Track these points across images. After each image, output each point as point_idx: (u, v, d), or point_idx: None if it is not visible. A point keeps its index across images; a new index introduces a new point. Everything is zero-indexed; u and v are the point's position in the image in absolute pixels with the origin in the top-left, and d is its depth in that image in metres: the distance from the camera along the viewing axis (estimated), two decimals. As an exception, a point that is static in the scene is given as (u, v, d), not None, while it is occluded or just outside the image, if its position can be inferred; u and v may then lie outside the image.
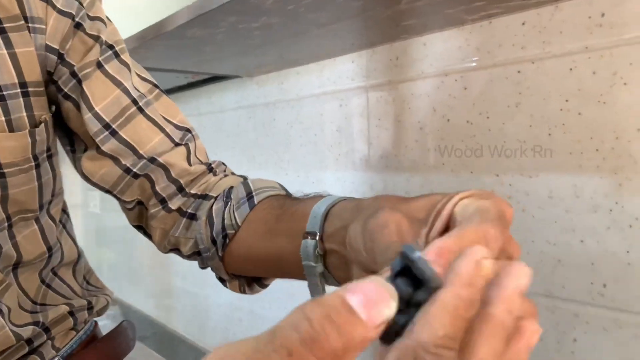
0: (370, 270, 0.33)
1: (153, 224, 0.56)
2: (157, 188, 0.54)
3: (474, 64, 0.78)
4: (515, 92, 0.73)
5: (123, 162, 0.53)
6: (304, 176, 1.11)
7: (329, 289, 0.33)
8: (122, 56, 0.54)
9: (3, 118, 0.47)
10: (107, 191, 0.55)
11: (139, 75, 0.56)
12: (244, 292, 0.55)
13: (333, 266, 0.40)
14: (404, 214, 0.31)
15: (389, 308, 0.20)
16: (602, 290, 0.65)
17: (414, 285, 0.22)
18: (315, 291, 0.41)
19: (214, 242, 0.51)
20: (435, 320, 0.20)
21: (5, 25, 0.46)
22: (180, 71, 1.24)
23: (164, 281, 1.77)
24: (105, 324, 0.64)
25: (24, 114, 0.48)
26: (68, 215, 0.62)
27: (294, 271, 0.43)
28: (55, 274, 0.57)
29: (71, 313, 0.55)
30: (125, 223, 0.61)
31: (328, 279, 0.41)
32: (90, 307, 0.58)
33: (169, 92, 1.44)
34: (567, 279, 0.69)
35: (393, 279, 0.22)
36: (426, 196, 0.33)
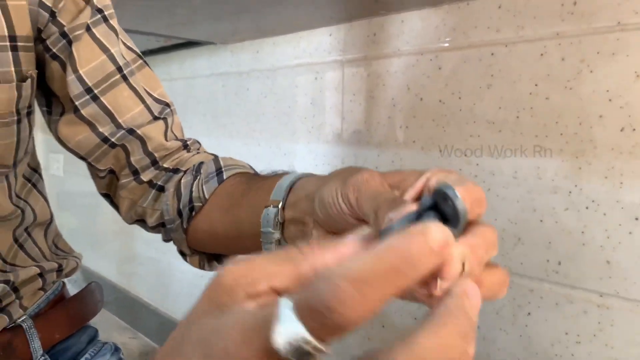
0: (333, 231, 0.34)
1: (122, 194, 0.56)
2: (132, 159, 0.54)
3: (449, 44, 0.79)
4: (487, 74, 0.74)
5: (100, 130, 0.52)
6: (276, 147, 1.11)
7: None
8: (110, 21, 0.53)
9: None
10: (82, 158, 0.54)
11: (124, 43, 0.55)
12: (202, 267, 0.55)
13: (290, 236, 0.41)
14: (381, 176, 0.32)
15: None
16: (557, 268, 0.69)
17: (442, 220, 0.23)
18: None
19: (179, 214, 0.52)
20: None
21: None
22: (151, 34, 1.21)
23: (127, 247, 1.75)
24: (69, 289, 0.64)
25: (12, 68, 0.47)
26: (40, 175, 0.61)
27: (251, 244, 0.44)
28: (29, 234, 0.56)
29: (40, 275, 0.55)
30: (88, 189, 0.60)
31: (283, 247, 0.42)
32: (60, 270, 0.58)
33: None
34: (526, 256, 0.72)
35: (419, 215, 0.23)
36: (397, 171, 0.34)
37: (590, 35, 0.64)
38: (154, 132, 0.53)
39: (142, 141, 0.53)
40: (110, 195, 0.58)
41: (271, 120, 1.12)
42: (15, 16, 0.46)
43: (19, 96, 0.48)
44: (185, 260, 0.56)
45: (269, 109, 1.13)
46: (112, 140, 0.52)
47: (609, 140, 0.63)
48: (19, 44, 0.47)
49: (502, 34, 0.72)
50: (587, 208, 0.66)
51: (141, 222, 0.57)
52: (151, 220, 0.54)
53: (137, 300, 1.69)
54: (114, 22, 0.54)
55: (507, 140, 0.73)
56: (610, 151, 0.63)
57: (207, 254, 0.55)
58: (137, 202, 0.55)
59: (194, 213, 0.50)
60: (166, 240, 0.56)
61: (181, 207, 0.51)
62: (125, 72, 0.53)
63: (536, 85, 0.69)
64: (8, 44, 0.46)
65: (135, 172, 0.54)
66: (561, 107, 0.67)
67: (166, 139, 0.54)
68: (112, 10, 0.54)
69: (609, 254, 0.64)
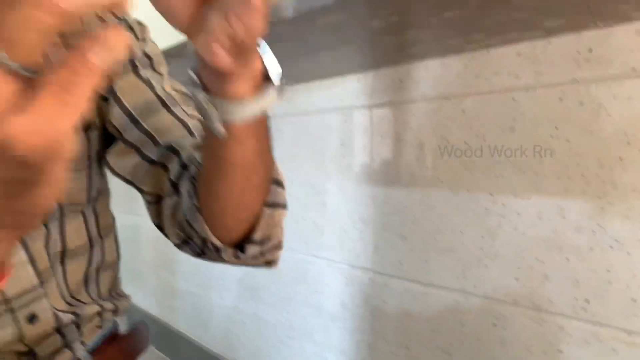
0: None
1: (166, 213, 0.56)
2: (171, 175, 0.55)
3: (471, 90, 0.83)
4: (510, 118, 0.78)
5: (144, 152, 0.56)
6: (309, 187, 1.16)
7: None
8: (157, 68, 0.59)
9: None
10: (130, 182, 0.58)
11: (172, 87, 0.60)
12: (238, 257, 0.53)
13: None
14: None
15: None
16: (584, 305, 0.70)
17: None
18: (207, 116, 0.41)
19: (190, 197, 0.51)
20: None
21: None
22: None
23: (167, 282, 1.82)
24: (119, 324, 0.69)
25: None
26: (113, 218, 0.66)
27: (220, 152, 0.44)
28: (97, 273, 0.62)
29: (99, 313, 0.60)
30: (129, 223, 0.66)
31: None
32: (115, 310, 0.63)
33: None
34: (554, 293, 0.74)
35: None
36: None
37: (607, 81, 0.67)
38: (186, 144, 0.55)
39: (177, 153, 0.55)
40: (161, 225, 0.59)
41: (304, 160, 1.18)
42: None
43: (89, 142, 0.54)
44: (221, 256, 0.54)
45: (302, 150, 1.18)
46: (154, 158, 0.55)
47: (630, 181, 0.65)
48: None
49: (521, 80, 0.76)
50: (611, 247, 0.67)
51: (186, 242, 0.57)
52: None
53: (177, 334, 1.75)
54: (161, 69, 0.59)
55: (531, 181, 0.75)
56: (632, 192, 0.65)
57: (232, 247, 0.53)
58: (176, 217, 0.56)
59: (195, 183, 0.50)
60: (199, 253, 0.56)
61: (189, 192, 0.51)
62: (167, 102, 0.56)
63: (556, 128, 0.72)
64: None
65: (175, 186, 0.54)
66: (582, 149, 0.70)
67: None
68: (162, 61, 0.59)
69: (635, 292, 0.65)
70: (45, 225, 0.54)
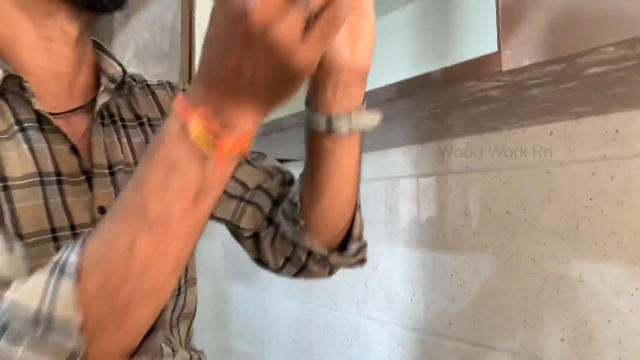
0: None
1: (264, 243, 0.72)
2: (265, 211, 0.71)
3: (510, 164, 0.91)
4: (547, 189, 0.86)
5: (235, 194, 0.71)
6: (360, 250, 1.25)
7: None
8: None
9: None
10: (229, 223, 0.73)
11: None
12: (342, 256, 0.67)
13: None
14: None
15: None
16: (629, 365, 0.75)
17: None
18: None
19: (292, 221, 0.66)
20: None
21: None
22: (252, 151, 1.43)
23: (221, 340, 1.90)
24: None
25: None
26: (195, 269, 0.78)
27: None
28: (177, 320, 0.71)
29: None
30: None
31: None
32: None
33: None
34: (599, 354, 0.78)
35: None
36: None
37: (634, 158, 0.75)
38: (272, 184, 0.72)
39: (267, 193, 0.72)
40: (259, 257, 0.74)
41: (355, 226, 1.27)
42: None
43: None
44: (324, 265, 0.69)
45: (352, 216, 1.28)
46: (249, 199, 0.71)
47: (662, 248, 0.71)
48: None
49: (555, 156, 0.84)
50: (649, 310, 0.73)
51: (288, 261, 0.72)
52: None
53: (231, 393, 1.81)
54: None
55: (570, 247, 0.82)
56: (664, 258, 0.71)
57: (332, 251, 0.67)
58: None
59: (300, 199, 0.64)
60: (299, 270, 0.71)
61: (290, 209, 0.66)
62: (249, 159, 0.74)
63: (590, 199, 0.80)
64: None
65: (270, 220, 0.72)
66: (616, 219, 0.77)
67: (284, 185, 0.73)
68: None
69: (676, 352, 0.70)
70: None
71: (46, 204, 0.54)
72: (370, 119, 0.56)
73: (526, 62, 0.53)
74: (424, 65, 1.09)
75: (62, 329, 0.38)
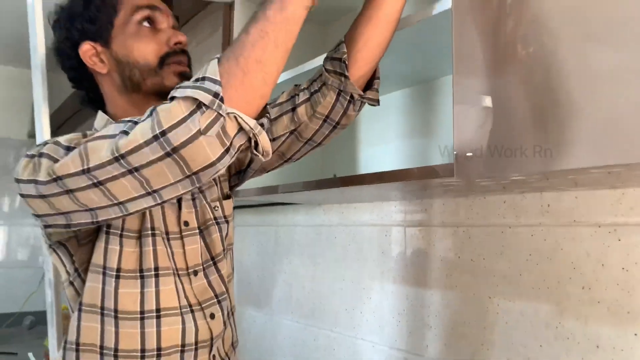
0: None
1: (301, 99, 0.97)
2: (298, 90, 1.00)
3: (475, 222, 1.19)
4: (500, 245, 1.13)
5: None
6: (357, 283, 1.52)
7: None
8: None
9: (223, 192, 0.97)
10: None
11: None
12: (371, 90, 0.95)
13: None
14: None
15: None
16: (554, 380, 1.01)
17: None
18: None
19: (335, 72, 0.91)
20: None
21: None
22: (264, 203, 1.71)
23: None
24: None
25: (227, 190, 0.99)
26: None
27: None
28: (229, 318, 0.97)
29: None
30: None
31: None
32: None
33: (254, 207, 1.91)
34: (534, 371, 1.05)
35: None
36: None
37: (560, 226, 1.03)
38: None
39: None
40: (296, 117, 0.98)
41: (353, 263, 1.54)
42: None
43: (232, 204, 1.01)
44: (365, 98, 0.94)
45: (352, 253, 1.55)
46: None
47: (577, 292, 0.99)
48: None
49: (507, 220, 1.12)
50: (567, 338, 1.00)
51: (325, 118, 0.96)
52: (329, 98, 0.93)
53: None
54: None
55: (515, 289, 1.09)
56: (581, 301, 0.98)
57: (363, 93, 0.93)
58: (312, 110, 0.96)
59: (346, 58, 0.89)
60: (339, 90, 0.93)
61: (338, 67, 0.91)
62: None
63: (530, 255, 1.07)
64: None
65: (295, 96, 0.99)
66: (546, 271, 1.04)
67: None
68: None
69: (584, 370, 0.97)
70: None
71: None
72: None
73: (475, 178, 0.80)
74: (413, 139, 1.38)
75: (210, 80, 0.64)
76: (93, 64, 0.87)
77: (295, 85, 1.01)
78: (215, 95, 0.63)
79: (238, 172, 1.06)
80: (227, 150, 0.64)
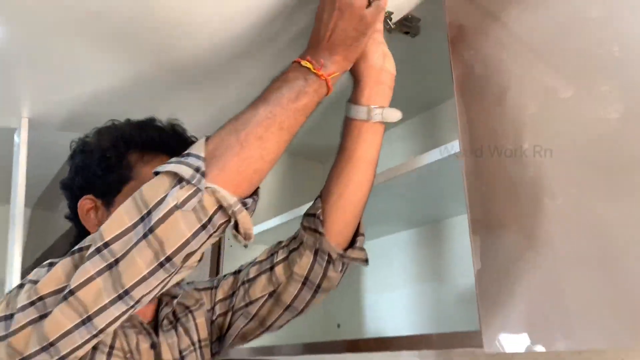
0: None
1: (280, 277, 0.86)
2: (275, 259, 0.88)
3: None
4: None
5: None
6: None
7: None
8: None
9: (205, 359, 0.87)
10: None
11: None
12: (353, 249, 0.83)
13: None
14: None
15: None
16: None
17: None
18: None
19: (311, 229, 0.83)
20: None
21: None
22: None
23: None
24: None
25: (208, 357, 0.89)
26: None
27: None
28: None
29: None
30: None
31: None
32: None
33: None
34: None
35: None
36: None
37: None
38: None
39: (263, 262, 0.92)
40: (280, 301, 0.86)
41: None
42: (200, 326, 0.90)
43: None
44: (347, 257, 0.82)
45: None
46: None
47: None
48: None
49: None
50: None
51: (306, 279, 0.83)
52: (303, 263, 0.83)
53: None
54: None
55: None
56: None
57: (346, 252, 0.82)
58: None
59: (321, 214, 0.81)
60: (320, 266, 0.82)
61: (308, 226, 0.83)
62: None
63: None
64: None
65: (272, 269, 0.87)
66: None
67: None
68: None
69: None
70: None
71: None
72: (395, 114, 0.79)
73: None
74: (423, 283, 1.24)
75: (194, 156, 0.62)
76: (86, 219, 0.81)
77: (279, 242, 0.90)
78: (197, 169, 0.61)
79: (219, 338, 0.91)
80: (203, 227, 0.60)
